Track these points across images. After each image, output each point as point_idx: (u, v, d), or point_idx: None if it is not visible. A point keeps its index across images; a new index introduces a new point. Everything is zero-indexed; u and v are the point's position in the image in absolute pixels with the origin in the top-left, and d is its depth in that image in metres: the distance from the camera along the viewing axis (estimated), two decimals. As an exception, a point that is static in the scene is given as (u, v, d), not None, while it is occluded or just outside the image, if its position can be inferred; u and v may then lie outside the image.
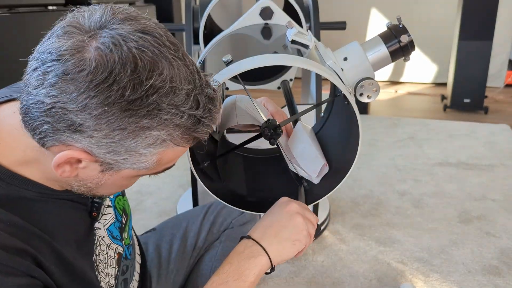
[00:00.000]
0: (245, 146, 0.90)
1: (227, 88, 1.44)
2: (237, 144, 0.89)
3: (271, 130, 0.78)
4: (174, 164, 0.65)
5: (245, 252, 0.70)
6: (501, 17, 3.31)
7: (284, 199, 0.78)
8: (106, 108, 0.51)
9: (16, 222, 0.57)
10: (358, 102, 0.78)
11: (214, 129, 0.63)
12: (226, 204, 0.86)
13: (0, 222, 0.55)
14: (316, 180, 0.86)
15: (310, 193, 0.89)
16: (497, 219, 1.87)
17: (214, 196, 0.84)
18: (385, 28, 0.83)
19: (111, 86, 0.50)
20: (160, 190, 2.20)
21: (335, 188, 0.83)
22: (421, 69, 4.12)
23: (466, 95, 3.26)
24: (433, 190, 2.13)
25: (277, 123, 0.79)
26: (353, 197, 2.08)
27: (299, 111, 0.94)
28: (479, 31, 3.07)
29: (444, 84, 3.74)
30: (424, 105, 3.61)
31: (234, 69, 0.72)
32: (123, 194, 0.86)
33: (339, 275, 1.55)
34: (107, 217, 0.76)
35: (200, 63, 0.88)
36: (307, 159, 0.85)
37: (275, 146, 0.82)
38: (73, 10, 0.57)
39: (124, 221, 0.83)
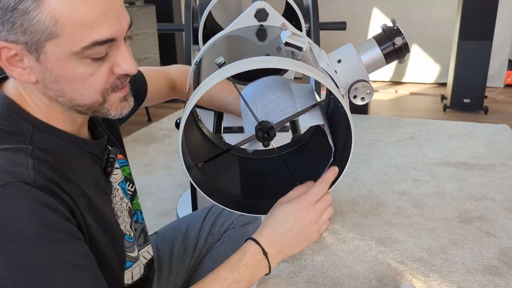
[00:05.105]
0: (241, 147, 0.89)
1: None
2: (232, 145, 0.88)
3: (264, 132, 0.77)
4: (110, 39, 0.61)
5: (263, 262, 0.74)
6: (501, 17, 3.31)
7: (303, 206, 0.75)
8: None
9: (50, 162, 0.63)
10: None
11: None
12: (223, 207, 0.86)
13: (37, 159, 0.61)
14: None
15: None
16: (497, 219, 1.88)
17: (210, 199, 0.84)
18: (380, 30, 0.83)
19: None
20: (160, 190, 2.20)
21: (330, 188, 0.83)
22: (422, 69, 4.12)
23: (466, 95, 3.26)
24: (433, 190, 2.14)
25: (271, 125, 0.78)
26: (353, 197, 2.09)
27: None
28: (479, 31, 3.08)
29: (445, 84, 3.74)
30: (424, 105, 3.61)
31: (225, 71, 0.72)
32: (128, 164, 0.92)
33: (339, 275, 1.55)
34: (116, 177, 0.83)
35: (195, 63, 0.88)
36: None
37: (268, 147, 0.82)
38: None
39: (132, 189, 0.91)
